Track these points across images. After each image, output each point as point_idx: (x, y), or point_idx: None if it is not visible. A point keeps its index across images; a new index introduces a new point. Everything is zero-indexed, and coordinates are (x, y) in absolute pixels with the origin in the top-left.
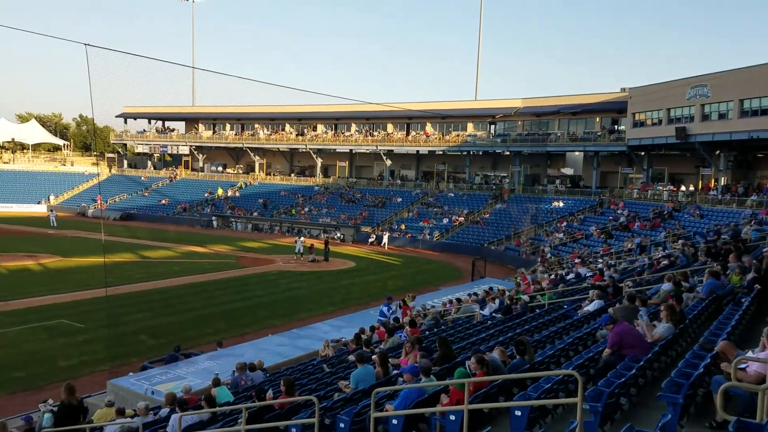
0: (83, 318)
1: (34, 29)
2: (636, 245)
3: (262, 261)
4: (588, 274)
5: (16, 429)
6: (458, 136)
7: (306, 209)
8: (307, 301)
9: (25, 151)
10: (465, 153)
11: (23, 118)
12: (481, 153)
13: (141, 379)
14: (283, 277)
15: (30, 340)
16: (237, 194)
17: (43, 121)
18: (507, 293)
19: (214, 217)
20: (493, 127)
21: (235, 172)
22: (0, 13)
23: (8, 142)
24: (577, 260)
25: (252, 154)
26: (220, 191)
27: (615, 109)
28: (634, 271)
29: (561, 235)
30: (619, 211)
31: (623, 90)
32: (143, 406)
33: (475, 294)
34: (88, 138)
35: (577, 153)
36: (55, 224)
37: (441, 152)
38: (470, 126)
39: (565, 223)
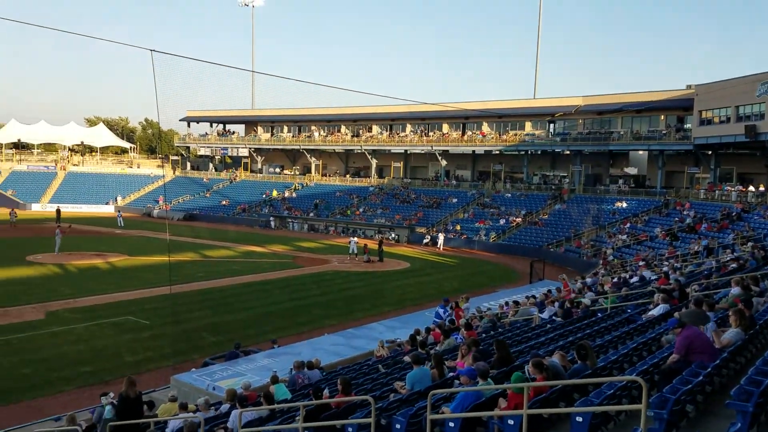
0: (148, 315)
1: (101, 36)
2: (703, 248)
3: (318, 261)
4: (652, 278)
5: (84, 422)
6: (516, 135)
7: (361, 210)
8: (362, 301)
9: (93, 153)
10: (523, 152)
11: (92, 122)
12: (539, 152)
13: (203, 375)
14: (339, 277)
15: (98, 336)
16: (294, 195)
17: (111, 125)
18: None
19: (271, 218)
20: (552, 125)
21: (292, 173)
22: (69, 21)
23: (78, 145)
24: (641, 263)
25: (308, 156)
26: (274, 193)
27: (681, 106)
28: (701, 274)
29: (624, 237)
30: (685, 212)
31: (689, 87)
32: (204, 402)
33: (534, 296)
34: (153, 141)
35: (641, 152)
36: (123, 224)
37: (498, 152)
38: (528, 125)
39: (628, 225)
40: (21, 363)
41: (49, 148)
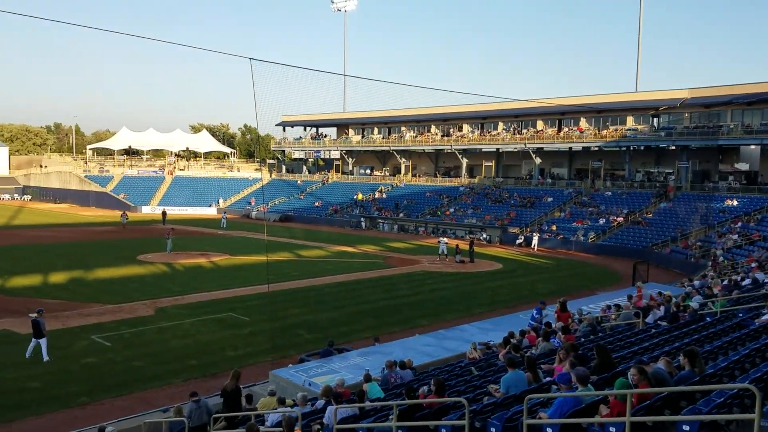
0: (248, 312)
1: (203, 46)
2: None
3: (408, 261)
4: (766, 280)
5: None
6: (616, 130)
7: (451, 210)
8: (453, 302)
9: (197, 158)
10: (624, 148)
11: (196, 129)
12: (642, 148)
13: (299, 371)
14: (429, 278)
15: (202, 332)
16: (384, 196)
17: (213, 132)
18: (674, 299)
19: (362, 218)
20: (656, 120)
21: (382, 174)
22: (174, 34)
23: (183, 151)
24: (753, 264)
25: (398, 157)
26: (359, 195)
27: None
28: None
29: (735, 237)
30: None
31: None
32: (301, 397)
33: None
34: (251, 146)
35: (753, 146)
36: (225, 225)
37: (596, 148)
38: (630, 119)
39: (739, 224)
40: (133, 356)
41: (157, 153)
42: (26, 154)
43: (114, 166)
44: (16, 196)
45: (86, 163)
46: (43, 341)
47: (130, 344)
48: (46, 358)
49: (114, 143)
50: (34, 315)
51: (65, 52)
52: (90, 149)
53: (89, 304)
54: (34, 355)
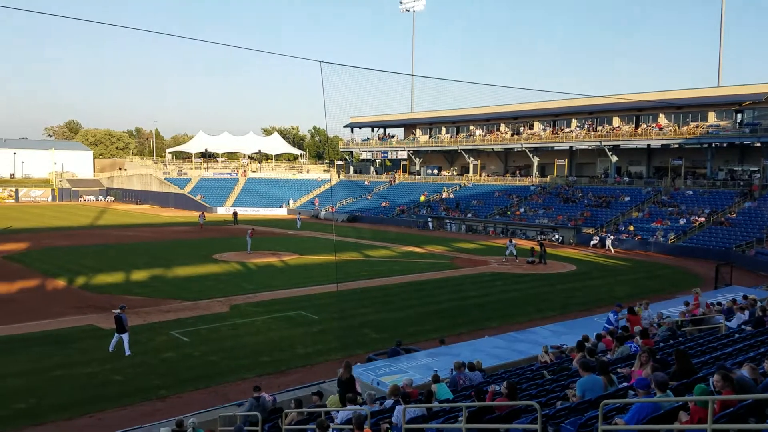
0: (317, 310)
1: (275, 51)
2: None
3: (476, 262)
4: None
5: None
6: (697, 127)
7: (521, 210)
8: (523, 304)
9: (269, 160)
10: (705, 145)
11: (267, 132)
12: (725, 145)
13: (367, 369)
14: (498, 279)
15: (274, 329)
16: (451, 196)
17: (283, 134)
18: (759, 303)
19: (429, 219)
20: (739, 115)
21: (450, 174)
22: (247, 39)
23: (256, 153)
24: None
25: (466, 156)
26: (421, 198)
27: None
28: None
29: None
30: None
31: None
32: (369, 396)
33: (720, 303)
34: (320, 147)
35: None
36: (300, 226)
37: (676, 145)
38: (711, 115)
39: None
40: (209, 351)
41: (231, 156)
42: (109, 158)
43: (191, 168)
44: (100, 197)
45: (165, 165)
46: (125, 336)
47: (206, 340)
48: (128, 352)
49: (191, 147)
50: (117, 311)
51: (146, 60)
52: (169, 153)
53: (168, 300)
54: (116, 349)
